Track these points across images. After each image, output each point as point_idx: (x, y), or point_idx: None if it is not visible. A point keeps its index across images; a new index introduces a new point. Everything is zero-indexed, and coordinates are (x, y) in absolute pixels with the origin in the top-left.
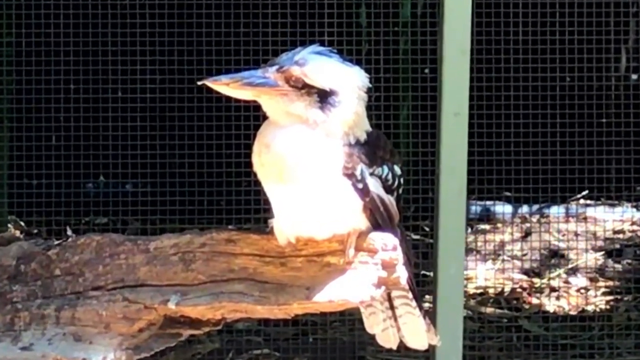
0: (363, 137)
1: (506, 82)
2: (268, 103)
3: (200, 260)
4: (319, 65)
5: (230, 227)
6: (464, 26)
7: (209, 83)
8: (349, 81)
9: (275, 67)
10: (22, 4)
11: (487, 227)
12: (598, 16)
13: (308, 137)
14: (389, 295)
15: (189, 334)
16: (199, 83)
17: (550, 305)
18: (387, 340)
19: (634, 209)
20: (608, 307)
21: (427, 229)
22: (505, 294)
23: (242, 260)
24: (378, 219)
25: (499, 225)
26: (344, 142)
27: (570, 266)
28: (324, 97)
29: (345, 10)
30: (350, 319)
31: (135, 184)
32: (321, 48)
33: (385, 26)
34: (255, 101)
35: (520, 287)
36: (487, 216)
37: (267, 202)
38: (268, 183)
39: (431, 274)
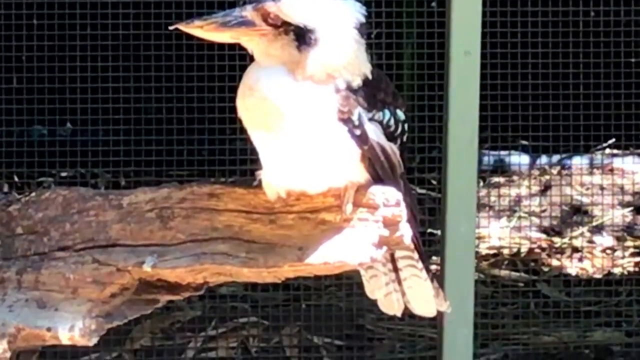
0: (356, 82)
1: (523, 16)
2: (249, 44)
3: (180, 217)
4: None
5: (212, 179)
6: None
7: (182, 27)
8: (332, 17)
9: (252, 5)
10: None
11: (501, 180)
12: None
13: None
14: (392, 256)
15: (167, 299)
16: (171, 28)
17: (572, 267)
18: (391, 306)
19: None
20: (637, 269)
21: (434, 182)
22: (522, 255)
23: (227, 217)
24: (378, 171)
25: (515, 178)
26: (334, 85)
27: (594, 224)
28: (300, 35)
29: None
30: (348, 283)
31: (106, 131)
32: None
33: None
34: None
35: (539, 247)
36: (502, 168)
37: (254, 151)
38: (254, 130)
39: (439, 232)
